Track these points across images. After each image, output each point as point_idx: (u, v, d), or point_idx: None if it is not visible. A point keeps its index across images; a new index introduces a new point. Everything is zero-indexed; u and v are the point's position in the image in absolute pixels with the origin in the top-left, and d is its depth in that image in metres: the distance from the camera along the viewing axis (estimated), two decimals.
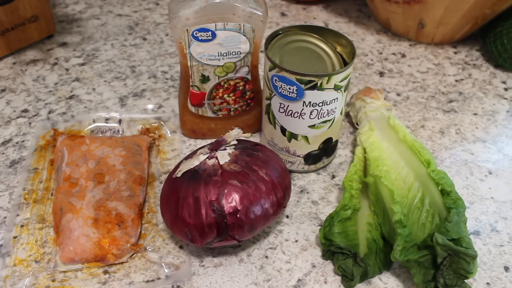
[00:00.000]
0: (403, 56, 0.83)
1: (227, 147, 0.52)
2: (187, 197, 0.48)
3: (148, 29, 0.86)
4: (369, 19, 0.91)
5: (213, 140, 0.64)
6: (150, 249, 0.53)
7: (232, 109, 0.63)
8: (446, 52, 0.84)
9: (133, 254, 0.53)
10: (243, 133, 0.54)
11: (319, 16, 0.92)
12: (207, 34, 0.56)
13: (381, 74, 0.79)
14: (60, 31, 0.85)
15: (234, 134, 0.53)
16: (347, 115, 0.69)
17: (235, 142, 0.53)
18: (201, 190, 0.48)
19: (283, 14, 0.92)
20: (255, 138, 0.66)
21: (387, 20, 0.86)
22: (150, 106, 0.70)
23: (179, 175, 0.51)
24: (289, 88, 0.54)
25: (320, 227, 0.56)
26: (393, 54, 0.83)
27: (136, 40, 0.84)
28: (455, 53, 0.84)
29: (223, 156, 0.51)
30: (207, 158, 0.51)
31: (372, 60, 0.82)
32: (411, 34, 0.85)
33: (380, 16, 0.87)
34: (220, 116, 0.63)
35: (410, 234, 0.50)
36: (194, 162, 0.51)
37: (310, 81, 0.53)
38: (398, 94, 0.75)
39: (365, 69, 0.79)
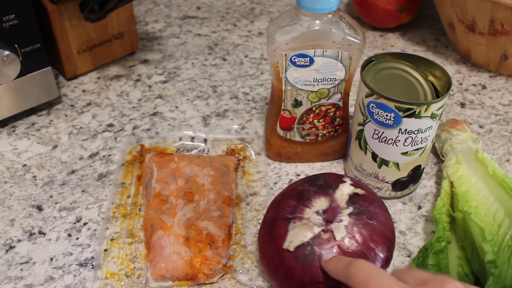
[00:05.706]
0: (484, 87, 0.81)
1: (342, 218, 0.49)
2: (305, 284, 0.46)
3: (227, 50, 0.87)
4: (447, 49, 0.90)
5: (299, 162, 0.64)
6: (240, 271, 0.53)
7: (320, 134, 0.63)
8: None
9: (224, 275, 0.53)
10: (352, 185, 0.51)
11: (396, 44, 0.91)
12: (305, 59, 0.56)
13: (463, 105, 0.78)
14: (142, 49, 0.87)
15: (347, 191, 0.50)
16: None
17: (347, 200, 0.50)
18: (319, 277, 0.46)
19: None
20: (339, 164, 0.66)
21: (468, 51, 0.85)
22: (234, 127, 0.71)
23: (291, 248, 0.47)
24: (386, 115, 0.53)
25: (408, 257, 0.55)
26: (474, 85, 0.82)
27: (216, 60, 0.85)
28: None
29: (339, 231, 0.48)
30: (321, 230, 0.48)
31: (452, 90, 0.80)
32: (492, 65, 0.83)
33: (460, 46, 0.86)
34: (308, 140, 0.63)
35: (500, 276, 0.48)
36: (307, 234, 0.47)
37: (409, 109, 0.52)
38: (481, 126, 0.73)
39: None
